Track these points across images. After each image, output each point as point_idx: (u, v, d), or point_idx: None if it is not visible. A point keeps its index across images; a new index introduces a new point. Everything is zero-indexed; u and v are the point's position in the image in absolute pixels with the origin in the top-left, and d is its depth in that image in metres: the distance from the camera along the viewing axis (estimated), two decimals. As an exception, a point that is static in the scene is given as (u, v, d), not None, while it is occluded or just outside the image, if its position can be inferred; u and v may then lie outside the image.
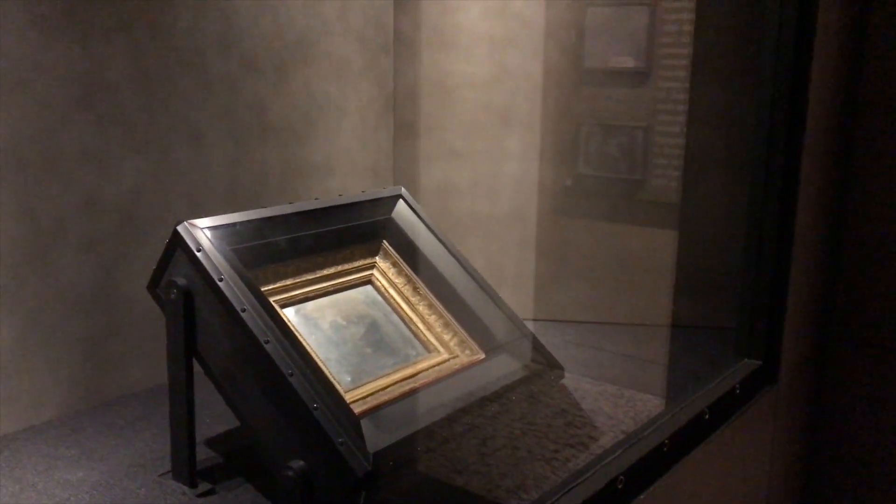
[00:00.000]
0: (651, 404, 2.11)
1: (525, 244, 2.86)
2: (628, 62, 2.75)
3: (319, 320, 1.83)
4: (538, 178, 2.82)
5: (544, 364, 2.06)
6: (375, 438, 1.58)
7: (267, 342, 1.56)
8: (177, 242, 1.65)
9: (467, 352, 1.96)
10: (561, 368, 2.07)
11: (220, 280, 1.60)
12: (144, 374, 2.20)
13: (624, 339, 2.74)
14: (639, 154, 2.77)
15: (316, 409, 1.51)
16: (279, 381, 1.54)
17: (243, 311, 1.58)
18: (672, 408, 1.95)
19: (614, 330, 2.80)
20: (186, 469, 1.70)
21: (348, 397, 1.66)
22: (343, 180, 2.70)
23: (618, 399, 2.11)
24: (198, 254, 1.63)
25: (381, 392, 1.75)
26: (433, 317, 1.98)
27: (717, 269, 2.68)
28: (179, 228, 1.65)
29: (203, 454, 1.83)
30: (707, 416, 1.94)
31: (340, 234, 1.95)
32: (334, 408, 1.53)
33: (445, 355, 1.94)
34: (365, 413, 1.65)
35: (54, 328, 2.01)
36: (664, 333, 2.75)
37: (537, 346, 2.06)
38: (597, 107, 2.80)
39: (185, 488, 1.70)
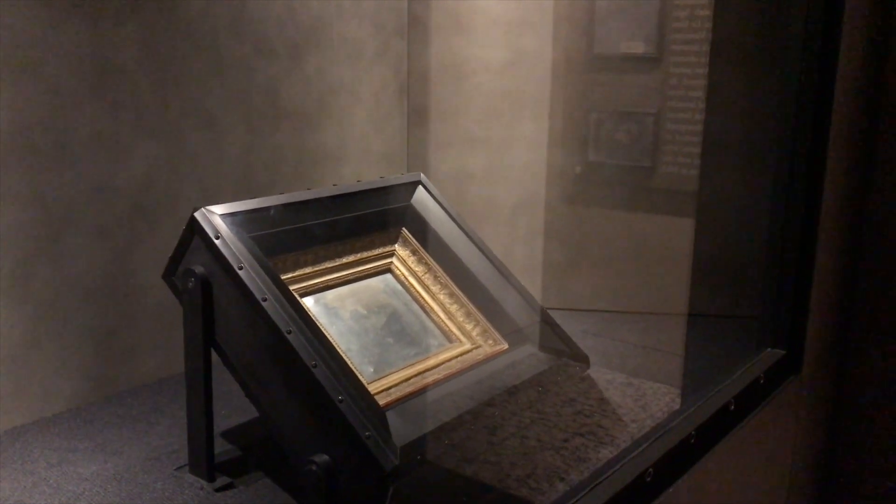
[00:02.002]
0: (662, 392, 2.07)
1: (535, 232, 2.82)
2: (639, 48, 2.70)
3: (340, 310, 1.79)
4: (548, 165, 2.78)
5: (569, 355, 2.01)
6: (401, 431, 1.54)
7: (289, 332, 1.51)
8: (194, 229, 1.61)
9: (490, 342, 1.92)
10: (586, 359, 2.02)
11: (240, 268, 1.56)
12: (157, 365, 2.16)
13: (637, 327, 2.71)
14: (648, 141, 2.73)
15: (341, 401, 1.47)
16: (302, 373, 1.50)
17: (264, 300, 1.54)
18: (697, 399, 1.92)
19: (627, 319, 2.77)
20: (204, 462, 1.66)
21: (371, 389, 1.62)
22: (356, 166, 2.66)
23: (629, 388, 2.08)
24: (216, 241, 1.58)
25: (404, 383, 1.70)
26: (454, 306, 1.93)
27: (735, 257, 2.64)
28: (197, 215, 1.60)
29: (220, 447, 1.78)
30: (733, 407, 1.91)
31: (359, 221, 1.91)
32: (359, 400, 1.49)
33: (468, 345, 1.90)
34: (389, 405, 1.61)
35: (65, 317, 1.96)
36: (680, 322, 2.72)
37: (562, 337, 2.01)
38: (607, 93, 2.76)
39: (203, 482, 1.66)
